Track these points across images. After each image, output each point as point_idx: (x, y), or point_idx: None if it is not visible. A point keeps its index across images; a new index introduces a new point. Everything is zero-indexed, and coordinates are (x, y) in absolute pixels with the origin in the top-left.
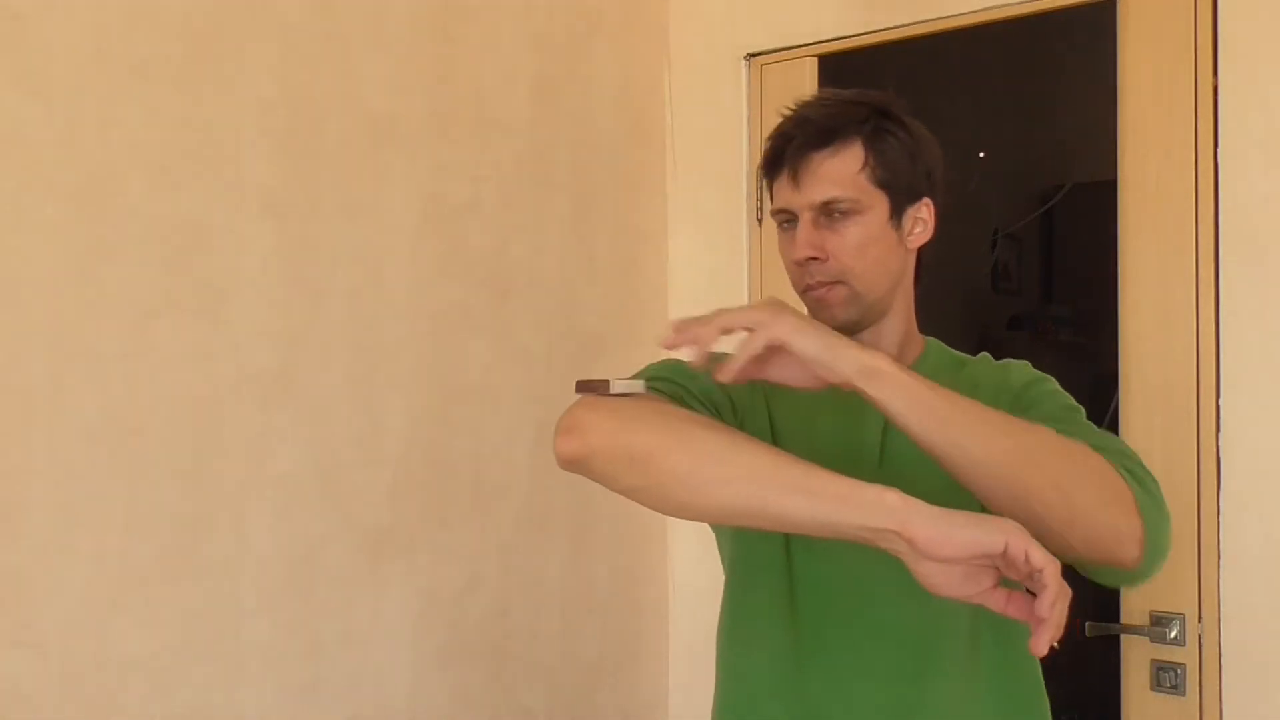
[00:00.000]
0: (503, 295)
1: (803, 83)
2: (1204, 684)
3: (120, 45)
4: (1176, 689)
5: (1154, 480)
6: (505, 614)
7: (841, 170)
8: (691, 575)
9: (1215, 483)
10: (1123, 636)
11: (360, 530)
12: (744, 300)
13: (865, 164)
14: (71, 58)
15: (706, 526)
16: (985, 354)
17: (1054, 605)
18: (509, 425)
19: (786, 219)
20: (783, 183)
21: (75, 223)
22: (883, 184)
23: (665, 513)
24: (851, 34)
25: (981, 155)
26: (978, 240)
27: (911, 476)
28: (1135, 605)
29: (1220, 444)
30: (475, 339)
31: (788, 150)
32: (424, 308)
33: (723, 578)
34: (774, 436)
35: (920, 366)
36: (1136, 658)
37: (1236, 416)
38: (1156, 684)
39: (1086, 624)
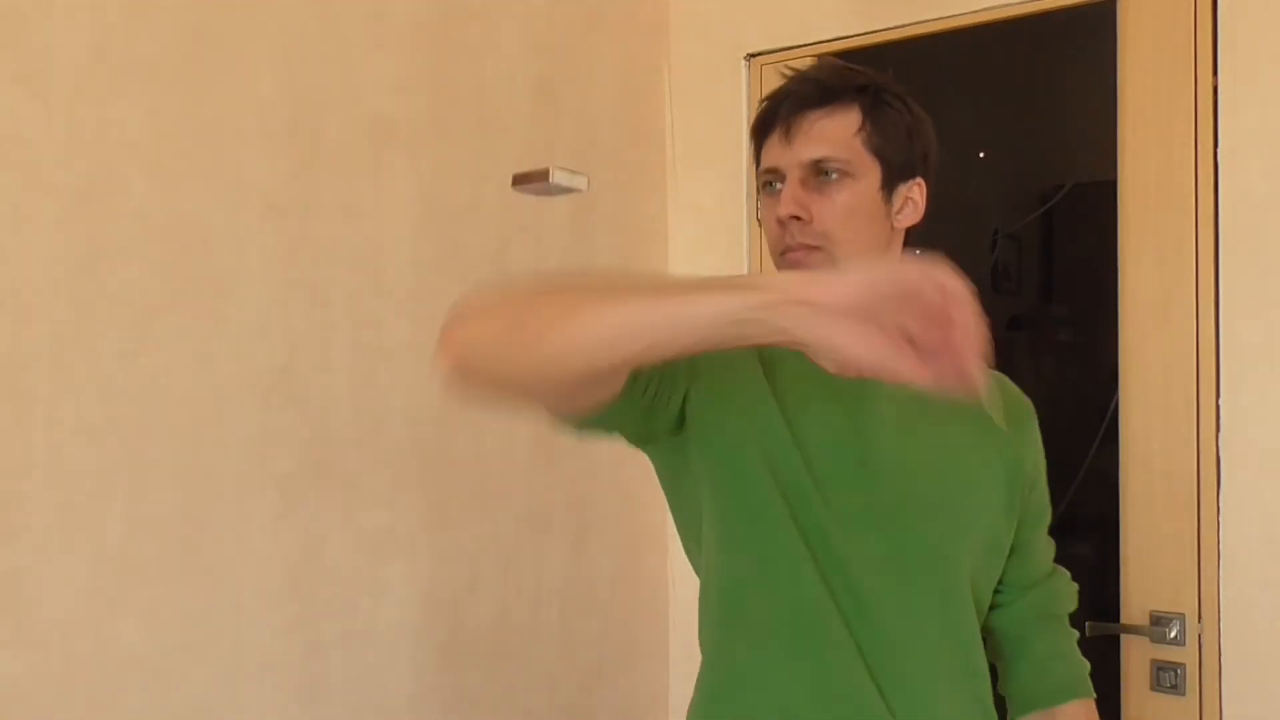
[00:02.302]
0: None
1: None
2: (1204, 684)
3: (120, 45)
4: (1176, 689)
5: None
6: (505, 614)
7: (837, 130)
8: (691, 575)
9: (1215, 483)
10: (1122, 636)
11: (360, 530)
12: None
13: (862, 128)
14: (71, 58)
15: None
16: (999, 373)
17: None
18: (509, 425)
19: (772, 178)
20: (773, 140)
21: (75, 223)
22: (877, 152)
23: (548, 373)
24: (851, 34)
25: (981, 155)
26: (978, 240)
27: (889, 455)
28: (1135, 605)
29: (1220, 444)
30: None
31: (782, 107)
32: (424, 308)
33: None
34: (780, 406)
35: None
36: (1136, 658)
37: (1236, 416)
38: (1156, 684)
39: (1087, 624)
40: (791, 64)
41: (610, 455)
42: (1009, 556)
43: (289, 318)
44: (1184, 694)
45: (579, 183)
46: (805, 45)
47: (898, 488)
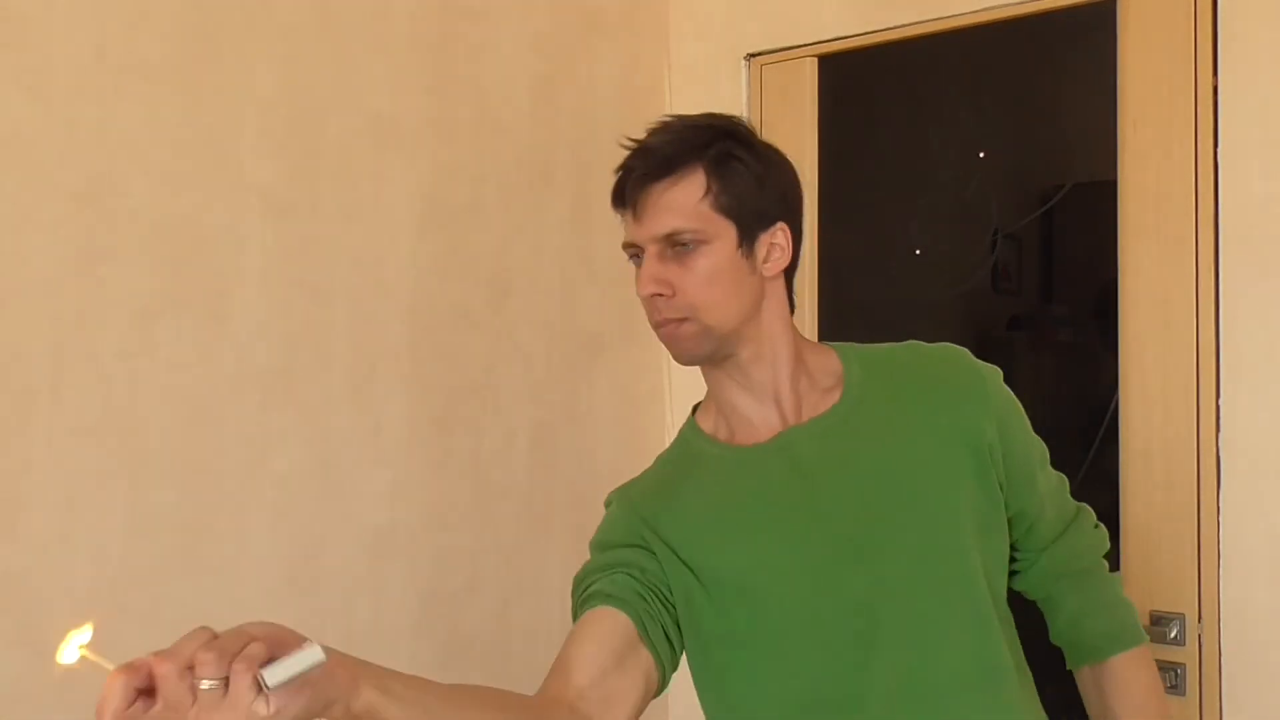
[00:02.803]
0: (502, 295)
1: (803, 83)
2: (1204, 684)
3: (120, 45)
4: (1176, 689)
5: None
6: (505, 614)
7: (682, 200)
8: None
9: (1215, 483)
10: None
11: (360, 530)
12: None
13: (708, 191)
14: (71, 58)
15: None
16: (913, 341)
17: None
18: (509, 425)
19: (634, 253)
20: (627, 217)
21: (75, 223)
22: (727, 212)
23: None
24: (851, 34)
25: (981, 155)
26: (978, 240)
27: (841, 491)
28: (1135, 605)
29: (1220, 444)
30: (475, 339)
31: (628, 183)
32: (424, 308)
33: None
34: (689, 565)
35: (848, 387)
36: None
37: (1236, 416)
38: None
39: None
40: (789, 66)
41: (610, 455)
42: (1013, 526)
43: (289, 318)
44: (1184, 694)
45: (308, 660)
46: (805, 45)
47: (858, 520)
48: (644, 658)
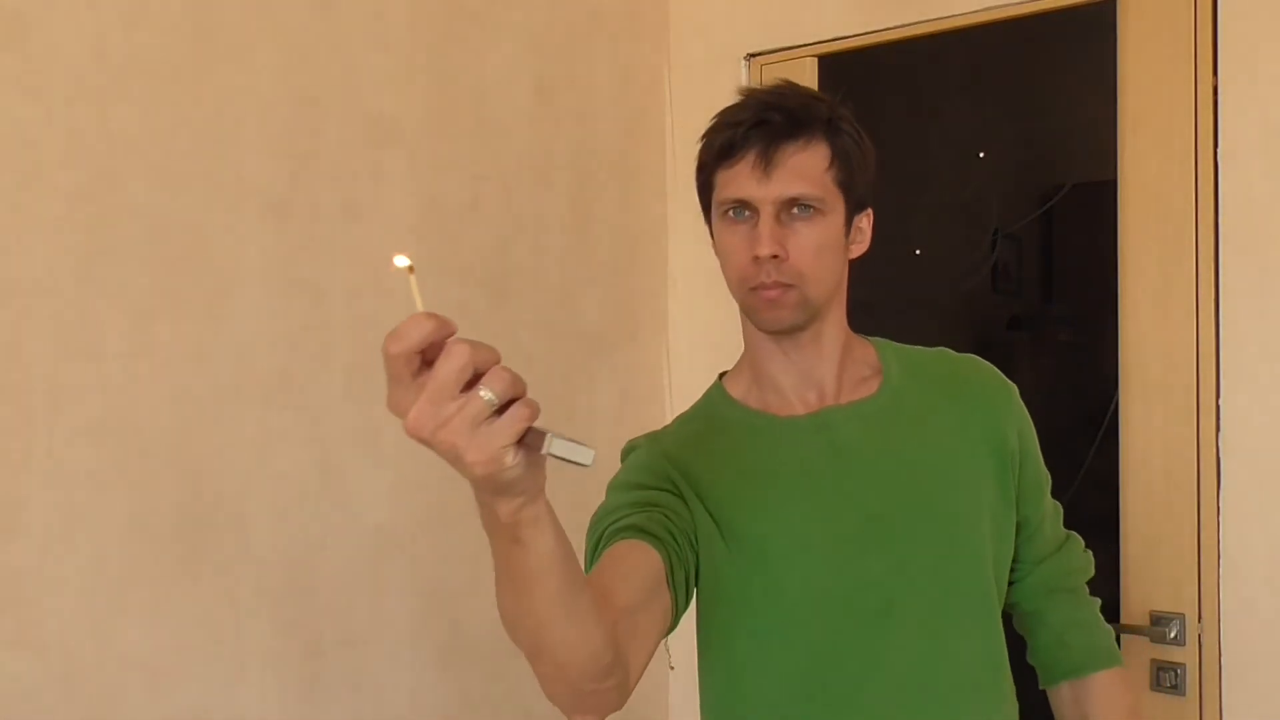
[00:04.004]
0: (502, 295)
1: (803, 83)
2: (1204, 684)
3: (120, 45)
4: (1176, 689)
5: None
6: None
7: (811, 166)
8: None
9: (1215, 483)
10: (1122, 636)
11: (360, 530)
12: None
13: (831, 163)
14: (71, 58)
15: None
16: (943, 348)
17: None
18: None
19: (739, 208)
20: (743, 171)
21: (75, 223)
22: (843, 186)
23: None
24: (851, 34)
25: (981, 155)
26: (978, 240)
27: (872, 474)
28: (1135, 605)
29: (1220, 444)
30: (474, 339)
31: (753, 136)
32: (424, 307)
33: None
34: (714, 514)
35: (887, 378)
36: (1136, 658)
37: (1236, 416)
38: (1156, 684)
39: None
40: (789, 66)
41: (609, 454)
42: (1017, 533)
43: (289, 318)
44: (1184, 694)
45: (582, 456)
46: (805, 45)
47: (886, 503)
48: (665, 598)
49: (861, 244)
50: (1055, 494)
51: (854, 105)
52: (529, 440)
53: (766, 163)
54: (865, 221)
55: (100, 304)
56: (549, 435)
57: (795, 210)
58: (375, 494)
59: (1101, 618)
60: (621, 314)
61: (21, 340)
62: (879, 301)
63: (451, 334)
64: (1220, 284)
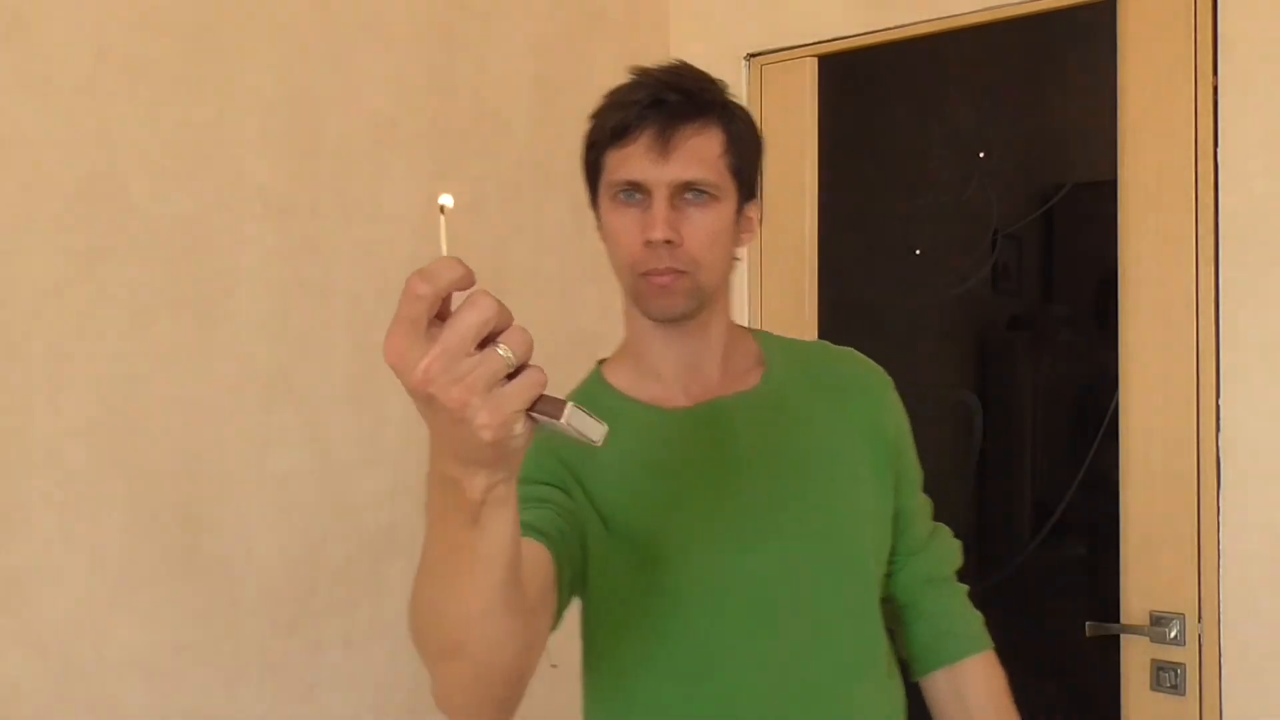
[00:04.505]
0: (502, 295)
1: (803, 83)
2: (1204, 684)
3: (120, 45)
4: (1176, 689)
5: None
6: None
7: (707, 150)
8: None
9: (1215, 483)
10: (1123, 636)
11: (360, 530)
12: (744, 299)
13: (726, 149)
14: (71, 58)
15: None
16: (821, 340)
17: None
18: None
19: (630, 190)
20: (637, 152)
21: (75, 223)
22: (736, 174)
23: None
24: (851, 34)
25: (981, 155)
26: (978, 240)
27: (758, 467)
28: (1135, 605)
29: (1220, 444)
30: None
31: (650, 116)
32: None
33: None
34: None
35: (770, 369)
36: (1136, 657)
37: (1236, 416)
38: (1156, 684)
39: (1087, 624)
40: (789, 66)
41: None
42: (898, 524)
43: (289, 318)
44: (1184, 694)
45: (595, 432)
46: (805, 45)
47: (770, 497)
48: (554, 600)
49: (750, 234)
50: (1055, 494)
51: (854, 105)
52: (539, 408)
53: (663, 144)
54: (754, 211)
55: (100, 304)
56: (569, 405)
57: (689, 195)
58: (375, 494)
59: (970, 603)
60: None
61: (21, 340)
62: (879, 301)
63: (474, 285)
64: (1220, 284)
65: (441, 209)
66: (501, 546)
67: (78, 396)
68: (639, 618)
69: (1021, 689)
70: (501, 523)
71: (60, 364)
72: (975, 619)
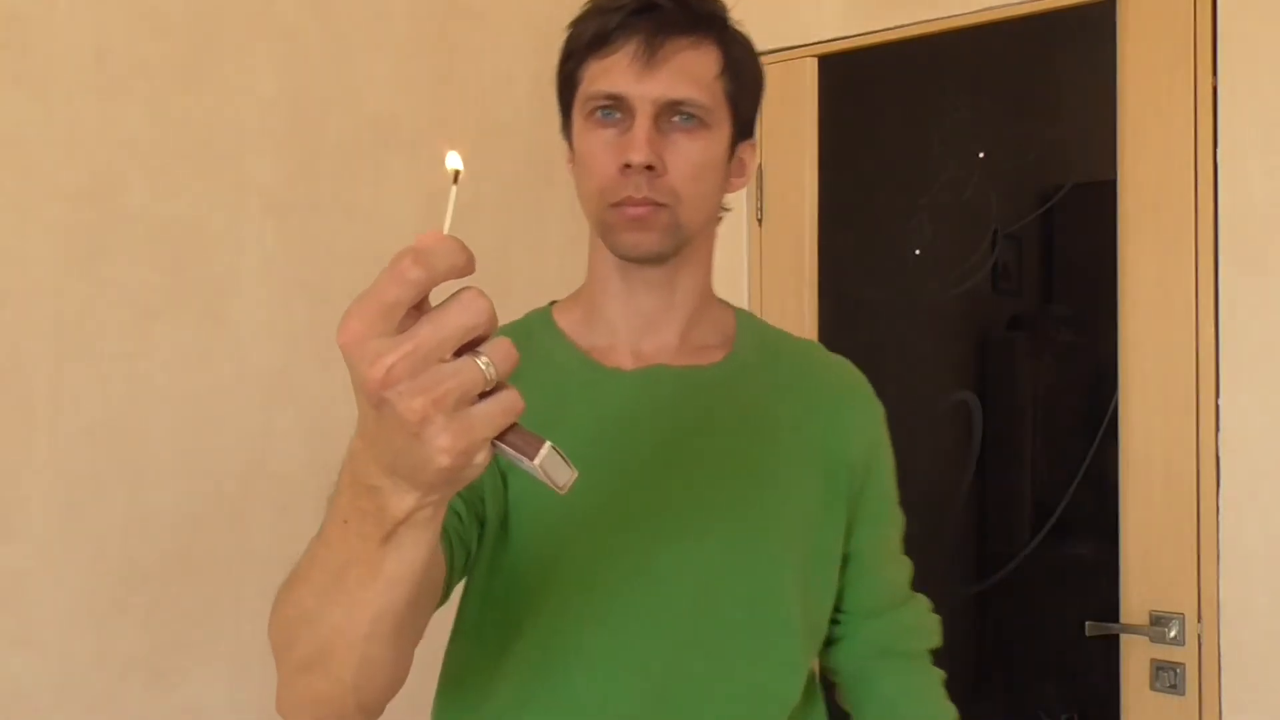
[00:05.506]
0: (503, 295)
1: (803, 83)
2: (1203, 684)
3: (120, 45)
4: (1176, 689)
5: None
6: None
7: (702, 68)
8: None
9: (1215, 483)
10: (1122, 636)
11: None
12: (744, 298)
13: (723, 70)
14: (71, 58)
15: None
16: (814, 341)
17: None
18: None
19: (609, 107)
20: (620, 62)
21: (75, 223)
22: (733, 100)
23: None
24: (851, 34)
25: (981, 155)
26: (978, 240)
27: (685, 453)
28: (1135, 605)
29: (1220, 444)
30: None
31: (637, 23)
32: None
33: None
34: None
35: (735, 351)
36: (1136, 657)
37: (1236, 416)
38: (1156, 683)
39: (1086, 623)
40: (789, 66)
41: None
42: (844, 571)
43: (289, 318)
44: (1183, 694)
45: (563, 476)
46: (805, 45)
47: (688, 488)
48: (437, 595)
49: (742, 179)
50: (1055, 494)
51: (854, 105)
52: (509, 439)
53: (650, 54)
54: (749, 153)
55: (100, 304)
56: (547, 444)
57: (676, 118)
58: None
59: (945, 696)
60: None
61: (21, 340)
62: (879, 301)
63: (472, 274)
64: (1220, 284)
65: (455, 176)
66: (411, 571)
67: (78, 396)
68: (503, 595)
69: (1021, 689)
70: (417, 546)
71: (60, 364)
72: (945, 710)
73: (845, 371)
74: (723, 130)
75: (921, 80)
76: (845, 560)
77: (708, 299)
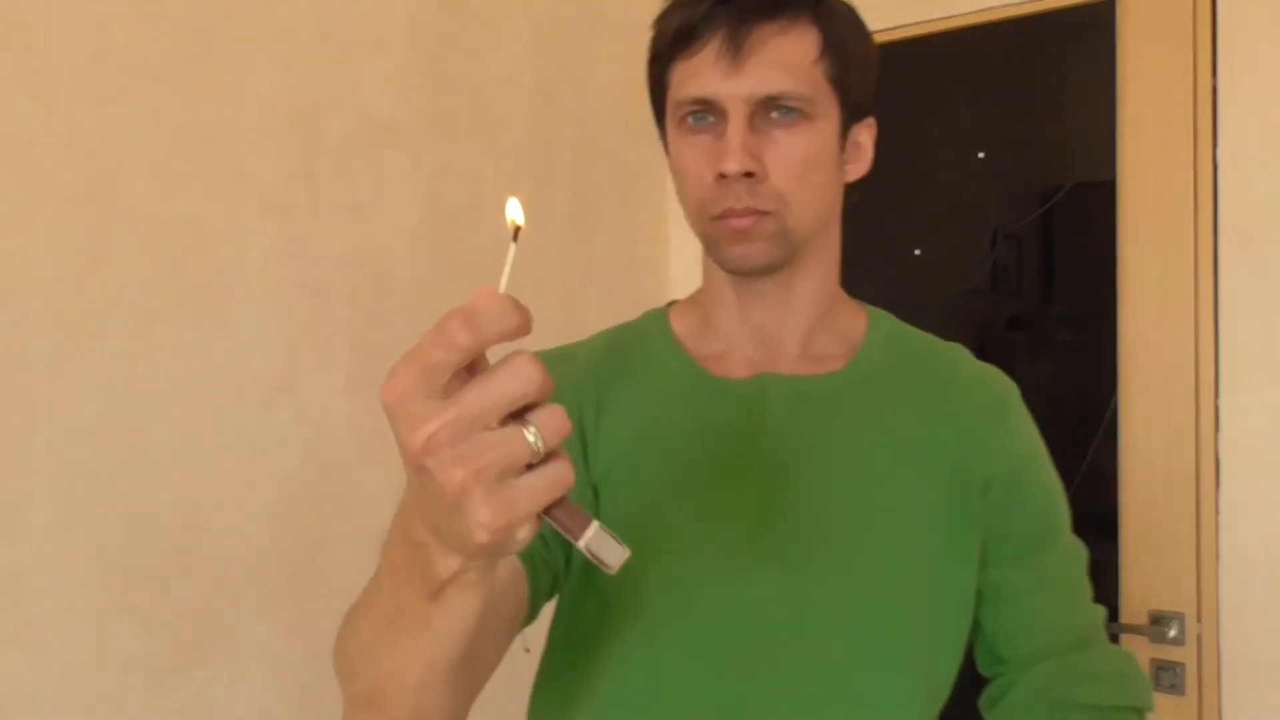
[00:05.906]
0: None
1: None
2: (1203, 684)
3: (120, 45)
4: (1176, 689)
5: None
6: None
7: (796, 54)
8: None
9: (1214, 483)
10: (1122, 636)
11: (360, 530)
12: None
13: (823, 53)
14: (71, 58)
15: None
16: (960, 346)
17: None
18: None
19: (700, 112)
20: (705, 61)
21: (75, 223)
22: (837, 85)
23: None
24: None
25: (981, 155)
26: (978, 240)
27: (788, 475)
28: (1134, 605)
29: (1220, 444)
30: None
31: (719, 16)
32: (424, 308)
33: None
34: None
35: (859, 361)
36: (1136, 657)
37: (1236, 416)
38: (1156, 684)
39: None
40: None
41: None
42: (993, 609)
43: (289, 318)
44: (1183, 694)
45: (613, 556)
46: None
47: (795, 512)
48: (517, 623)
49: (860, 163)
50: None
51: None
52: (555, 514)
53: (736, 48)
54: (865, 135)
55: (100, 304)
56: (595, 524)
57: (774, 114)
58: (375, 494)
59: None
60: (621, 313)
61: (21, 340)
62: (879, 302)
63: (524, 335)
64: (1220, 284)
65: (515, 232)
66: (463, 627)
67: (78, 396)
68: (596, 615)
69: None
70: (466, 605)
71: (61, 364)
72: None
73: (990, 379)
74: (829, 118)
75: (921, 80)
76: (990, 594)
77: (834, 303)
